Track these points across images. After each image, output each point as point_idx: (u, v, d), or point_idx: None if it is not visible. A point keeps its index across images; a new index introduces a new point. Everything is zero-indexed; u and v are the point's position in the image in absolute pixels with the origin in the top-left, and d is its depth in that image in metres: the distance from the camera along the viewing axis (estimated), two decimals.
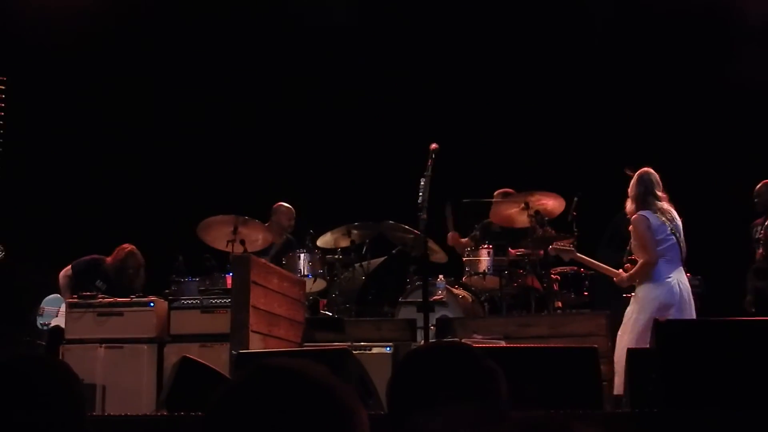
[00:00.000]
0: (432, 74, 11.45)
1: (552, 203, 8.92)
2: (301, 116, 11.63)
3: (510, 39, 11.22)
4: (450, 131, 9.36)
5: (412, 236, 8.92)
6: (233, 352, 6.83)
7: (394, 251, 9.62)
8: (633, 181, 6.93)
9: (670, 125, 10.62)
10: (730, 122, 10.49)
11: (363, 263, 9.53)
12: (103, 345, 8.18)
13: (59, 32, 10.86)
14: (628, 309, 6.87)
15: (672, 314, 6.50)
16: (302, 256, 9.15)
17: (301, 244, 9.36)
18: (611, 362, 6.78)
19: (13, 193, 10.31)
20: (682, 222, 6.92)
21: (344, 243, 9.52)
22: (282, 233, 9.60)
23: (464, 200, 9.20)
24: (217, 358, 7.23)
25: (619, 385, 6.31)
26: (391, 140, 10.87)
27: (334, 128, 11.42)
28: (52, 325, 9.01)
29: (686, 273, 6.97)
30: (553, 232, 8.72)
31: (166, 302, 8.38)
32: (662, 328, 5.28)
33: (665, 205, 6.86)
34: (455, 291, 8.82)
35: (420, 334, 7.91)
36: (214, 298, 8.28)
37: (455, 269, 9.29)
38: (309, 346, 7.73)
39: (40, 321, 9.15)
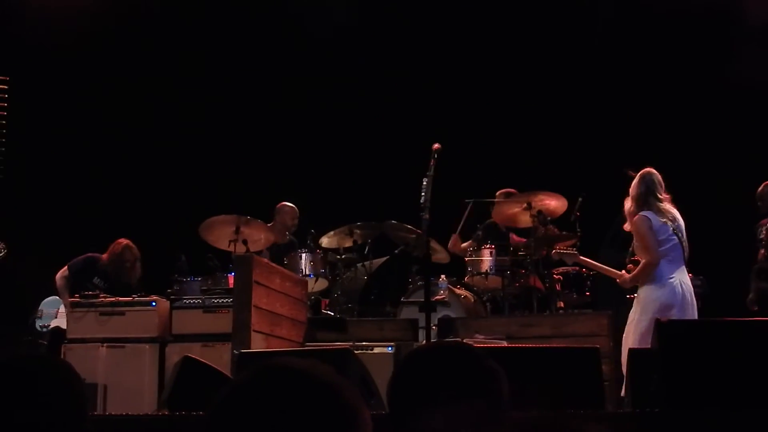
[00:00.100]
0: (433, 74, 11.45)
1: (554, 203, 8.92)
2: (303, 116, 11.63)
3: (512, 39, 11.22)
4: (452, 131, 9.34)
5: (414, 236, 8.92)
6: (235, 351, 6.83)
7: (396, 251, 9.62)
8: (635, 181, 6.91)
9: (672, 125, 10.61)
10: (732, 122, 10.48)
11: (365, 263, 9.54)
12: (105, 344, 8.19)
13: (60, 32, 10.86)
14: (632, 310, 6.86)
15: (674, 315, 6.49)
16: (304, 255, 9.16)
17: (303, 244, 9.37)
18: (613, 362, 6.78)
19: (15, 192, 10.33)
20: (685, 223, 6.91)
21: (347, 243, 9.53)
22: (285, 233, 9.61)
23: (467, 200, 9.21)
24: (219, 358, 7.23)
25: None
26: (394, 140, 10.86)
27: (336, 128, 11.42)
28: (51, 326, 9.02)
29: (689, 273, 6.96)
30: (556, 231, 8.71)
31: (168, 302, 8.40)
32: (664, 329, 5.27)
33: (667, 205, 6.85)
34: (457, 291, 8.82)
35: (422, 334, 7.91)
36: (216, 298, 8.30)
37: (457, 269, 9.30)
38: (311, 346, 7.73)
39: (39, 323, 9.16)
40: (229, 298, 8.00)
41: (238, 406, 1.49)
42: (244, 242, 8.67)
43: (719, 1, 10.37)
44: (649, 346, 5.86)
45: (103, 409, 7.74)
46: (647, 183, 6.86)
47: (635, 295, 6.96)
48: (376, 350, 7.74)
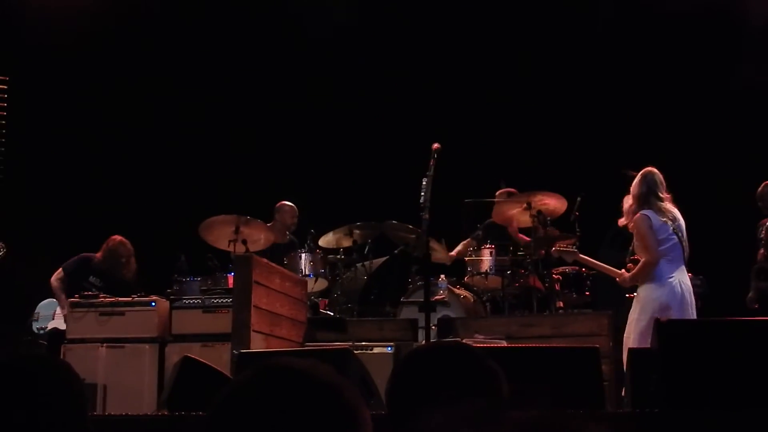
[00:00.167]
0: (433, 74, 11.44)
1: (554, 203, 8.92)
2: (303, 116, 11.63)
3: (512, 39, 11.21)
4: (452, 131, 9.35)
5: (414, 236, 8.92)
6: (235, 351, 6.83)
7: (396, 251, 9.62)
8: (636, 180, 6.91)
9: (672, 126, 10.61)
10: (732, 122, 10.48)
11: (365, 263, 9.54)
12: (105, 344, 8.19)
13: (60, 32, 10.86)
14: (631, 310, 6.86)
15: (673, 314, 6.49)
16: (303, 255, 9.16)
17: (302, 243, 9.37)
18: (613, 362, 6.77)
19: (15, 192, 10.32)
20: (685, 222, 6.90)
21: (346, 243, 9.53)
22: (285, 232, 9.61)
23: (466, 200, 9.21)
24: (219, 358, 7.24)
25: None
26: (393, 140, 10.86)
27: (336, 128, 11.42)
28: (49, 327, 9.01)
29: (688, 273, 6.96)
30: (556, 231, 8.71)
31: (168, 302, 8.40)
32: (664, 328, 5.27)
33: (668, 205, 6.85)
34: (457, 291, 8.82)
35: (422, 334, 7.91)
36: (215, 298, 8.30)
37: (457, 269, 9.30)
38: (311, 346, 7.73)
39: (36, 326, 9.14)
40: (228, 298, 8.00)
41: (238, 407, 1.49)
42: (244, 242, 8.67)
43: (719, 1, 10.37)
44: (648, 345, 5.86)
45: (103, 409, 7.74)
46: (649, 182, 6.86)
47: (635, 294, 6.96)
48: (376, 350, 7.74)
